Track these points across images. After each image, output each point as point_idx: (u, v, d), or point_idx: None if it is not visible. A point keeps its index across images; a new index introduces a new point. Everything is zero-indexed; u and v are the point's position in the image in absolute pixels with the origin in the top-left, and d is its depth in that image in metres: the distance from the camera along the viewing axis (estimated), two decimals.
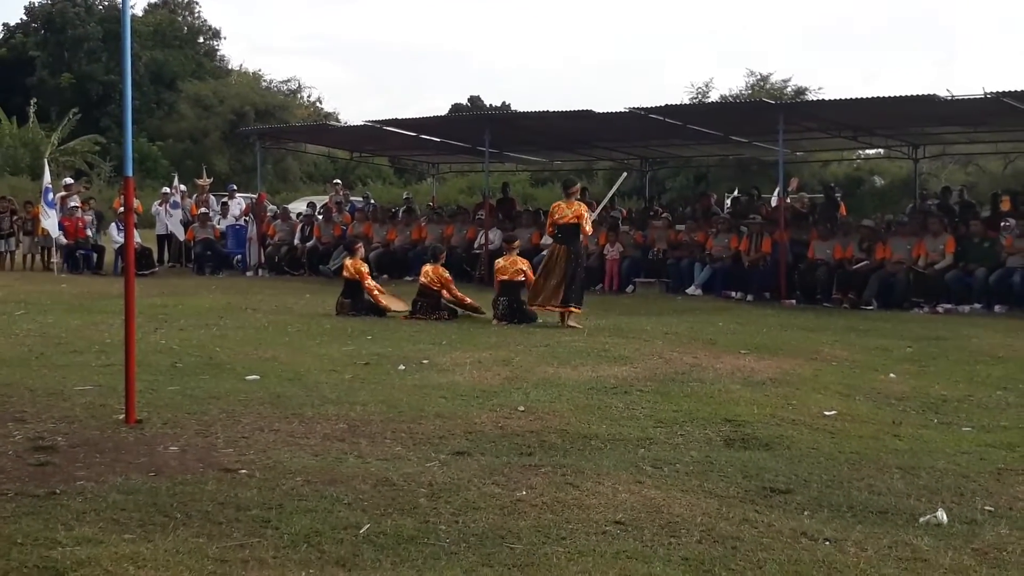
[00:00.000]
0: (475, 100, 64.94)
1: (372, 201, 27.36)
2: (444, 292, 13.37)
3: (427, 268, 13.53)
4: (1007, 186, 24.29)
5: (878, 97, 16.39)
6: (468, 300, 13.71)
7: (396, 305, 13.89)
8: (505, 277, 13.08)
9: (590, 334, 11.64)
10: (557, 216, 12.94)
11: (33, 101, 46.42)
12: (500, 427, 6.85)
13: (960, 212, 18.93)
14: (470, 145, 23.55)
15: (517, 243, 13.96)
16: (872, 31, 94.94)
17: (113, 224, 21.83)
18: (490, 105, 61.92)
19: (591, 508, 5.00)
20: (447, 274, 13.52)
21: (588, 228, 13.01)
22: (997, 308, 15.22)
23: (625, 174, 17.30)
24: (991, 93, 15.42)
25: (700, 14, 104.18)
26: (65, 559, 4.16)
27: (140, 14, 60.02)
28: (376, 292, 13.89)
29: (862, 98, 16.60)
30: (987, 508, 5.20)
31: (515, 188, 32.16)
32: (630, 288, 18.56)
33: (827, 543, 4.59)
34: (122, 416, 6.77)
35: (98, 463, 5.72)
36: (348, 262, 14.02)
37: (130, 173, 7.15)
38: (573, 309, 12.64)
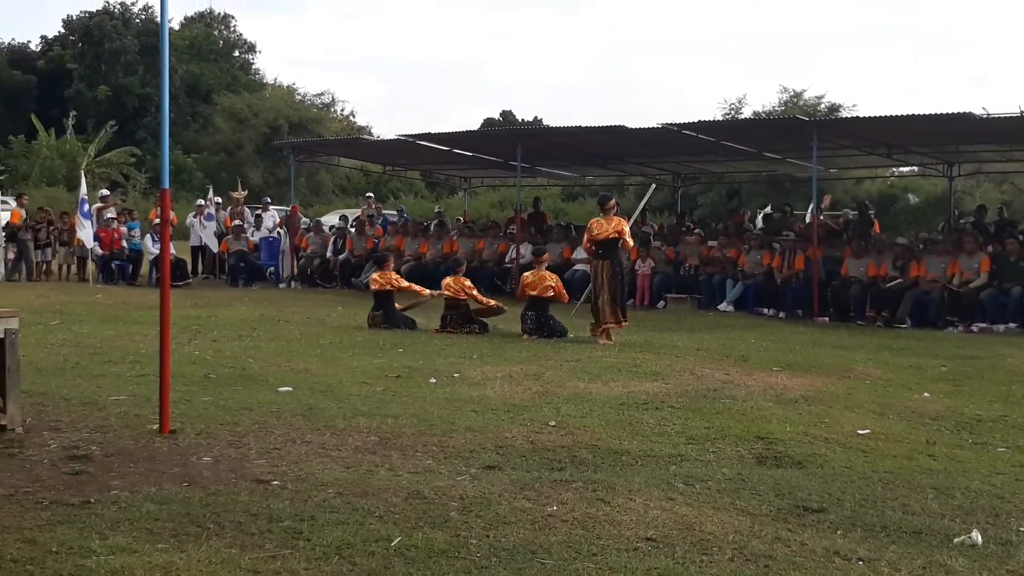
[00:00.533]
0: (507, 115, 65.06)
1: (406, 215, 27.46)
2: (471, 301, 13.46)
3: (448, 281, 13.64)
4: None
5: (913, 115, 16.30)
6: (492, 302, 13.84)
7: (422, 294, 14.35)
8: (534, 292, 13.08)
9: (621, 349, 11.62)
10: (596, 232, 12.83)
11: (72, 114, 46.93)
12: (531, 442, 6.85)
13: (999, 230, 18.76)
14: (502, 160, 23.61)
15: (547, 257, 13.96)
16: (905, 48, 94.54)
17: (148, 235, 22.03)
18: (522, 120, 62.01)
19: (622, 524, 4.99)
20: (468, 282, 13.62)
21: (631, 241, 13.04)
22: None
23: (654, 186, 17.33)
24: None
25: (734, 30, 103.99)
26: (99, 568, 4.19)
27: (176, 28, 60.69)
28: (415, 288, 14.41)
29: (897, 115, 16.51)
30: (1022, 529, 5.14)
31: (546, 203, 32.11)
32: (661, 304, 18.54)
33: (860, 563, 4.55)
34: (156, 426, 6.83)
35: (132, 473, 5.77)
36: (376, 275, 14.13)
37: (167, 185, 7.22)
38: (623, 324, 12.65)
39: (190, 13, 64.58)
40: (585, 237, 13.32)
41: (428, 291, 14.51)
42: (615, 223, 12.80)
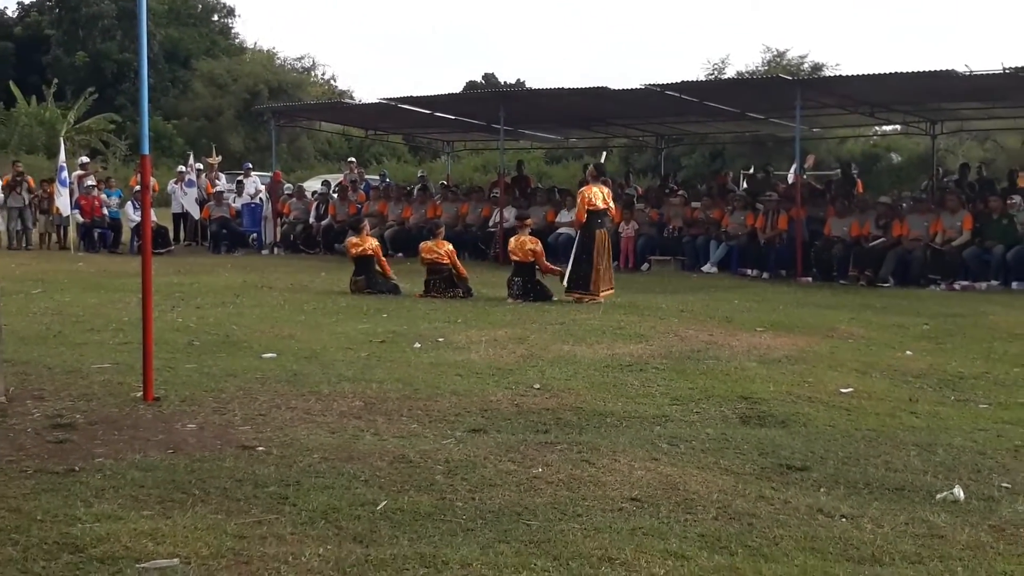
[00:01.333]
0: (489, 77, 64.71)
1: (388, 179, 27.36)
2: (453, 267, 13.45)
3: (428, 244, 13.59)
4: None
5: (896, 72, 16.28)
6: (464, 272, 13.83)
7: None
8: (517, 257, 13.07)
9: (605, 312, 11.63)
10: (596, 201, 12.82)
11: (54, 81, 46.47)
12: (516, 405, 6.86)
13: (979, 189, 18.81)
14: (485, 123, 23.51)
15: (529, 221, 13.89)
16: (888, 6, 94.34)
17: (129, 203, 21.91)
18: (505, 82, 61.66)
19: (607, 485, 5.01)
20: (449, 246, 13.57)
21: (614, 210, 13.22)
22: (1014, 285, 15.17)
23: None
24: (1010, 68, 15.33)
25: None
26: (84, 535, 4.19)
27: None
28: (384, 264, 14.27)
29: (880, 73, 16.48)
30: (1004, 485, 5.19)
31: (530, 166, 32.08)
32: (645, 266, 18.57)
33: (843, 520, 4.59)
34: (140, 394, 6.82)
35: (116, 440, 5.76)
36: (355, 239, 14.01)
37: (147, 151, 7.16)
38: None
39: None
40: (584, 206, 13.00)
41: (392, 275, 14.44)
42: (607, 192, 13.00)
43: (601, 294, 12.72)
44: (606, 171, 13.35)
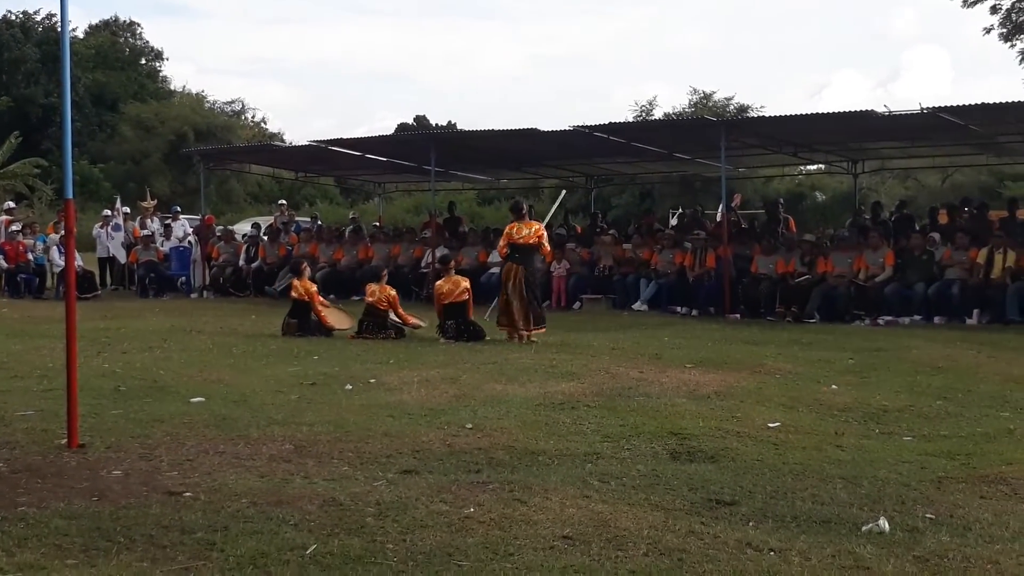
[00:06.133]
0: (421, 120, 65.08)
1: (319, 222, 27.25)
2: (391, 312, 13.35)
3: (373, 287, 13.51)
4: (945, 199, 24.77)
5: (817, 113, 16.70)
6: (411, 319, 13.70)
7: (343, 323, 13.89)
8: (450, 300, 13.00)
9: (537, 351, 11.67)
10: (517, 236, 12.90)
11: None
12: (448, 445, 6.84)
13: (899, 225, 19.24)
14: (416, 164, 23.56)
15: (453, 264, 13.80)
16: (815, 51, 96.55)
17: (55, 247, 21.55)
18: (436, 124, 61.98)
19: (539, 524, 5.01)
20: (393, 292, 13.51)
21: (548, 247, 13.12)
22: (936, 319, 15.49)
23: (564, 192, 17.48)
24: (927, 109, 15.72)
25: (645, 33, 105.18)
26: None
27: (81, 36, 59.53)
28: (323, 312, 13.87)
29: (801, 114, 16.87)
30: (928, 516, 5.28)
31: (462, 207, 32.15)
32: (577, 305, 18.66)
33: (772, 553, 4.63)
34: (64, 441, 6.68)
35: (40, 488, 5.64)
36: (296, 282, 13.89)
37: (70, 195, 7.07)
38: (542, 328, 12.75)
39: (94, 21, 63.48)
40: (503, 241, 13.30)
41: (333, 323, 13.97)
42: (535, 228, 12.92)
43: (505, 326, 12.81)
44: (522, 208, 13.27)
